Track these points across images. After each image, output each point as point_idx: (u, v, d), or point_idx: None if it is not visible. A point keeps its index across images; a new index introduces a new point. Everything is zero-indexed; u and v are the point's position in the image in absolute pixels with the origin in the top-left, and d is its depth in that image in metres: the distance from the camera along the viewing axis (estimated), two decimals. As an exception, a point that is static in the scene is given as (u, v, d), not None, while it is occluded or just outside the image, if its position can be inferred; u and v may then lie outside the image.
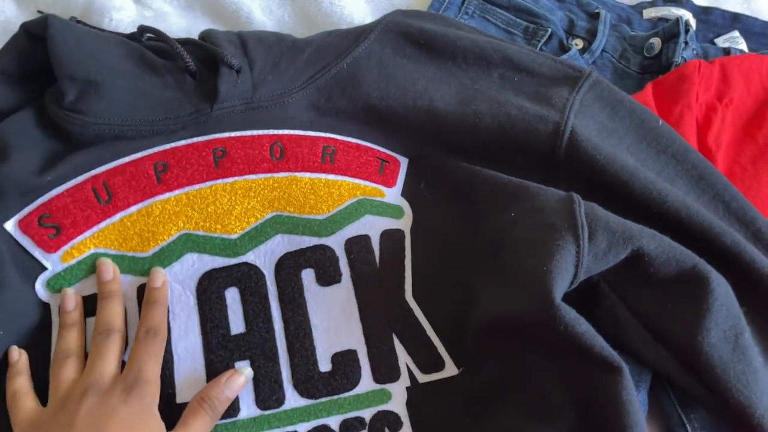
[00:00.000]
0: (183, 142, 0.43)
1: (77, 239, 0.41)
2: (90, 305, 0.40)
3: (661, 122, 0.44)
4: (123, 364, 0.38)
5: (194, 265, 0.41)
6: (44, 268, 0.40)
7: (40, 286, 0.40)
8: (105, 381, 0.36)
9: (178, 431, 0.35)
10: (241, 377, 0.38)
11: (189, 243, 0.41)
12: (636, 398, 0.35)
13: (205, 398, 0.36)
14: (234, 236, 0.41)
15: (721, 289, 0.38)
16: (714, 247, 0.40)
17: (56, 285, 0.40)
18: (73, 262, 0.40)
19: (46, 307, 0.40)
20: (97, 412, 0.34)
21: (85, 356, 0.38)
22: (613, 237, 0.38)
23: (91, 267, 0.40)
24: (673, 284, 0.39)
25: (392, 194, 0.43)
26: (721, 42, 0.54)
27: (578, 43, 0.53)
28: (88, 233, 0.41)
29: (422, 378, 0.40)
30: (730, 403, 0.37)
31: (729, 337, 0.37)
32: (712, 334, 0.37)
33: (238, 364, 0.39)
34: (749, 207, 0.43)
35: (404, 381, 0.39)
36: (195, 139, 0.43)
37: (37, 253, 0.40)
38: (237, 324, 0.40)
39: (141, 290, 0.40)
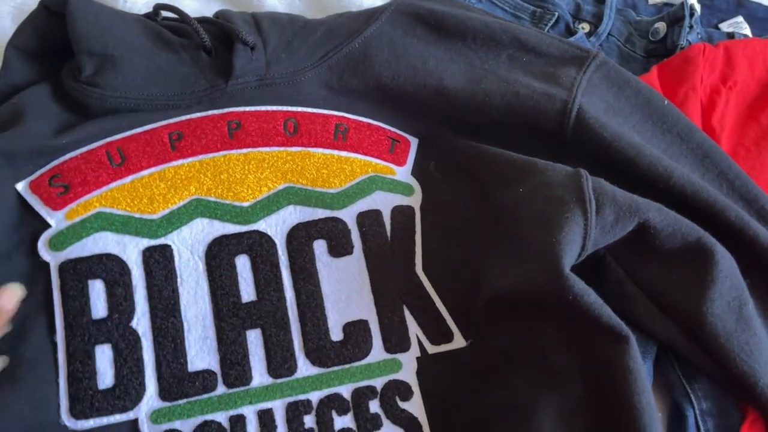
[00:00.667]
0: (198, 114, 0.43)
1: (85, 197, 0.40)
2: (89, 266, 0.39)
3: (666, 102, 0.45)
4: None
5: (204, 230, 0.41)
6: (48, 226, 0.40)
7: (42, 245, 0.39)
8: None
9: None
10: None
11: (200, 208, 0.41)
12: (642, 366, 0.36)
13: None
14: (246, 204, 0.42)
15: (725, 261, 0.39)
16: (718, 221, 0.41)
17: (58, 244, 0.39)
18: (77, 219, 0.40)
19: (47, 267, 0.39)
20: None
21: (90, 321, 0.38)
22: (620, 210, 0.39)
23: (94, 226, 0.40)
24: (679, 256, 0.39)
25: (402, 173, 0.44)
26: (726, 27, 0.55)
27: (584, 27, 0.54)
28: (96, 192, 0.41)
29: (432, 349, 0.40)
30: (733, 373, 0.38)
31: (733, 308, 0.38)
32: (716, 304, 0.38)
33: (249, 333, 0.39)
34: (753, 185, 0.44)
35: (414, 351, 0.40)
36: (210, 112, 0.43)
37: (43, 211, 0.40)
38: (248, 292, 0.40)
39: (146, 253, 0.40)
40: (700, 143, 0.45)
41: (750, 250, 0.40)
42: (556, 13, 0.54)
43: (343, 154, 0.44)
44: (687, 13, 0.51)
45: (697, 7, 0.54)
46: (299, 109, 0.44)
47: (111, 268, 0.39)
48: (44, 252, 0.39)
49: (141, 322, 0.39)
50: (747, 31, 0.55)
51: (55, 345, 0.38)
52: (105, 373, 0.38)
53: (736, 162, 0.45)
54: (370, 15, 0.47)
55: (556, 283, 0.37)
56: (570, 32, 0.53)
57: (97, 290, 0.39)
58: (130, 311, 0.39)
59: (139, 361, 0.38)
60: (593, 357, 0.37)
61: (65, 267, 0.39)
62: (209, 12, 0.48)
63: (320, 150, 0.44)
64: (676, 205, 0.41)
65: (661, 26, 0.53)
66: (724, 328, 0.38)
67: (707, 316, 0.38)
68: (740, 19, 0.55)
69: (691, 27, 0.51)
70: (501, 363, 0.39)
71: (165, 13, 0.47)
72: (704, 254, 0.39)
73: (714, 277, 0.38)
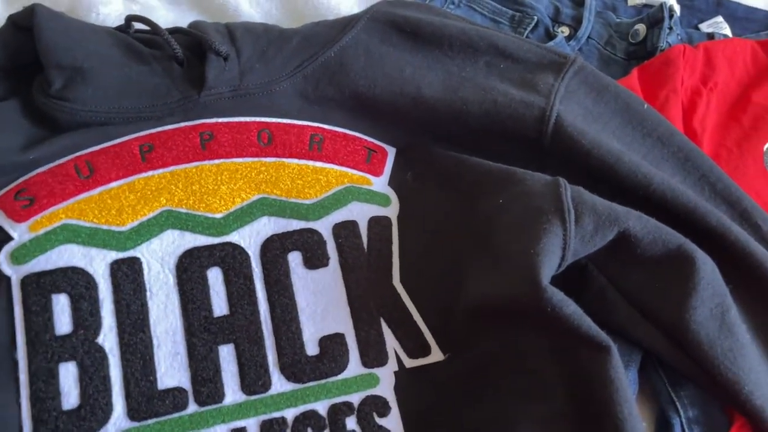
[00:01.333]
0: (170, 126, 0.42)
1: (50, 209, 0.40)
2: (53, 280, 0.38)
3: (646, 106, 0.44)
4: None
5: (175, 242, 0.40)
6: (11, 239, 0.39)
7: (2, 258, 0.38)
8: None
9: None
10: None
11: (171, 219, 0.40)
12: (624, 376, 0.35)
13: None
14: (218, 215, 0.41)
15: (707, 267, 0.38)
16: (699, 227, 0.40)
17: (21, 257, 0.38)
18: (41, 232, 0.39)
19: (8, 281, 0.38)
20: None
21: (53, 337, 0.37)
22: (599, 219, 0.38)
23: (59, 238, 0.39)
24: (660, 264, 0.39)
25: (379, 183, 0.44)
26: (705, 27, 0.54)
27: (564, 31, 0.53)
28: (62, 204, 0.40)
29: (409, 363, 0.39)
30: (718, 380, 0.37)
31: (715, 315, 0.38)
32: (698, 312, 0.37)
33: (222, 348, 0.38)
34: (735, 187, 0.43)
35: (392, 365, 0.39)
36: (182, 124, 0.43)
37: (6, 224, 0.39)
38: (220, 306, 0.39)
39: (114, 266, 0.39)
40: (680, 146, 0.44)
41: (732, 255, 0.40)
42: (535, 17, 0.53)
43: (319, 164, 0.43)
44: (666, 14, 0.51)
45: (677, 8, 0.54)
46: (274, 119, 0.44)
47: (76, 282, 0.38)
48: (5, 266, 0.38)
49: (108, 337, 0.38)
50: (727, 31, 0.54)
51: (16, 363, 0.37)
52: (70, 393, 0.37)
53: (718, 164, 0.44)
54: (346, 23, 0.47)
55: (534, 295, 0.36)
56: (549, 36, 0.53)
57: (61, 305, 0.38)
58: (97, 326, 0.38)
59: (106, 379, 0.37)
60: (574, 368, 0.37)
61: (28, 281, 0.38)
62: (184, 23, 0.48)
63: (295, 161, 0.43)
64: (657, 212, 0.40)
65: (641, 28, 0.53)
66: (707, 335, 0.37)
67: (690, 324, 0.37)
68: (720, 19, 0.55)
69: (670, 28, 0.51)
70: (480, 376, 0.39)
71: (138, 25, 0.47)
72: (685, 261, 0.38)
73: (695, 285, 0.37)
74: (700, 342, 0.37)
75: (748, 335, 0.39)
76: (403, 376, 0.39)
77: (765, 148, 0.47)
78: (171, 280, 0.39)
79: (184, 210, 0.41)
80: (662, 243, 0.38)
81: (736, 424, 0.37)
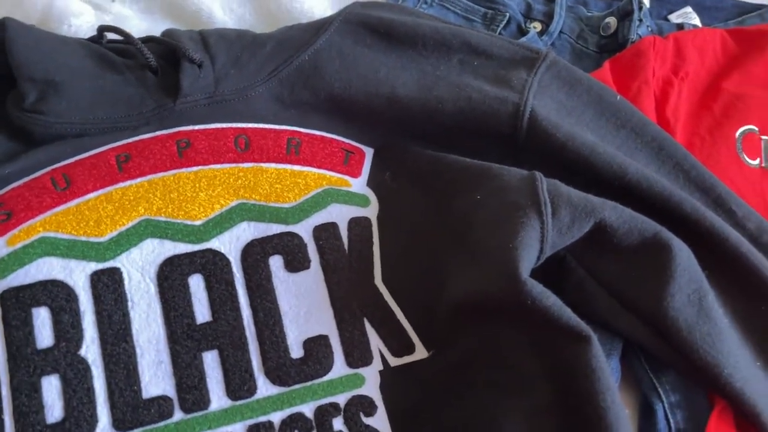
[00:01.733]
0: (146, 135, 0.42)
1: (27, 223, 0.40)
2: (33, 294, 0.38)
3: (618, 97, 0.45)
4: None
5: (155, 250, 0.40)
6: None
7: None
8: None
9: None
10: None
11: (150, 228, 0.40)
12: (606, 365, 0.36)
13: None
14: (197, 222, 0.41)
15: (683, 254, 0.39)
16: (675, 215, 0.41)
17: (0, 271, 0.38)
18: (18, 246, 0.39)
19: None
20: None
21: (35, 351, 0.37)
22: (575, 211, 0.39)
23: (38, 252, 0.39)
24: (637, 253, 0.39)
25: (358, 184, 0.44)
26: (675, 18, 0.55)
27: (536, 26, 0.54)
28: (39, 217, 0.40)
29: (394, 361, 0.40)
30: (698, 365, 0.37)
31: (693, 301, 0.38)
32: (676, 299, 0.38)
33: (206, 355, 0.38)
34: (709, 175, 0.44)
35: (377, 365, 0.39)
36: (158, 132, 0.43)
37: None
38: (202, 312, 0.39)
39: (94, 277, 0.39)
40: (654, 136, 0.45)
41: (707, 241, 0.40)
42: (507, 14, 0.54)
43: (297, 168, 0.43)
44: (635, 6, 0.52)
45: (647, 0, 0.55)
46: (250, 125, 0.44)
47: (56, 295, 0.38)
48: None
49: (90, 349, 0.38)
50: (696, 21, 0.55)
51: None
52: (53, 406, 0.36)
53: (691, 152, 0.45)
54: (320, 26, 0.47)
55: (514, 289, 0.36)
56: (522, 32, 0.53)
57: (42, 318, 0.38)
58: (78, 339, 0.38)
59: (90, 390, 0.37)
60: (556, 359, 0.37)
61: (7, 295, 0.38)
62: (158, 31, 0.48)
63: (273, 165, 0.43)
64: (633, 201, 0.41)
65: (612, 21, 0.53)
66: (685, 321, 0.38)
67: (668, 311, 0.38)
68: (689, 9, 0.55)
69: (640, 20, 0.52)
70: (465, 371, 0.39)
71: (111, 35, 0.46)
72: (662, 249, 0.39)
73: (672, 272, 0.38)
74: (678, 328, 0.37)
75: (726, 319, 0.39)
76: (388, 374, 0.39)
77: (736, 135, 0.48)
78: (152, 288, 0.39)
79: (163, 218, 0.41)
80: (638, 232, 0.39)
81: (717, 407, 0.38)
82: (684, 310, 0.38)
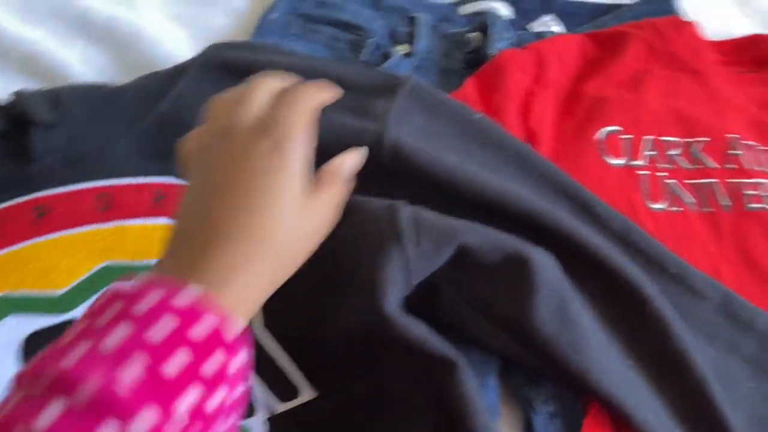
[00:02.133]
0: (3, 205, 0.41)
1: None
2: None
3: (478, 116, 0.46)
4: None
5: (17, 327, 0.39)
6: None
7: None
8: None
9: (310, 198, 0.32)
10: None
11: (8, 305, 0.39)
12: (474, 388, 0.36)
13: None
14: (59, 292, 0.40)
15: (544, 266, 0.40)
16: (536, 226, 0.42)
17: None
18: None
19: None
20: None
21: None
22: (439, 237, 0.39)
23: None
24: (500, 270, 0.40)
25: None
26: (534, 27, 0.56)
27: (402, 49, 0.54)
28: None
29: (281, 407, 0.39)
30: (567, 371, 0.38)
31: (556, 311, 0.39)
32: (540, 311, 0.39)
33: None
34: (572, 182, 0.45)
35: (262, 414, 0.39)
36: (15, 201, 0.41)
37: None
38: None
39: None
40: (516, 150, 0.46)
41: (569, 249, 0.41)
42: (372, 39, 0.54)
43: (162, 221, 0.43)
44: (493, 21, 0.53)
45: (505, 12, 0.55)
46: (111, 182, 0.43)
47: None
48: None
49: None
50: (558, 28, 0.56)
51: None
52: None
53: (558, 158, 0.46)
54: (177, 72, 0.47)
55: (381, 323, 0.37)
56: (386, 57, 0.53)
57: None
58: None
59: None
60: (431, 388, 0.37)
61: None
62: (12, 89, 0.46)
63: (137, 221, 0.42)
64: (497, 217, 0.41)
65: (474, 36, 0.54)
66: (551, 331, 0.38)
67: (533, 323, 0.38)
68: (548, 17, 0.57)
69: (499, 34, 0.53)
70: (351, 412, 0.39)
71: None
72: (523, 264, 0.39)
73: (534, 285, 0.39)
74: (545, 339, 0.38)
75: (593, 324, 0.40)
76: (276, 421, 0.39)
77: (599, 136, 0.49)
78: (15, 368, 0.38)
79: (22, 292, 0.39)
80: (500, 249, 0.40)
81: (591, 411, 0.39)
82: (549, 320, 0.39)
